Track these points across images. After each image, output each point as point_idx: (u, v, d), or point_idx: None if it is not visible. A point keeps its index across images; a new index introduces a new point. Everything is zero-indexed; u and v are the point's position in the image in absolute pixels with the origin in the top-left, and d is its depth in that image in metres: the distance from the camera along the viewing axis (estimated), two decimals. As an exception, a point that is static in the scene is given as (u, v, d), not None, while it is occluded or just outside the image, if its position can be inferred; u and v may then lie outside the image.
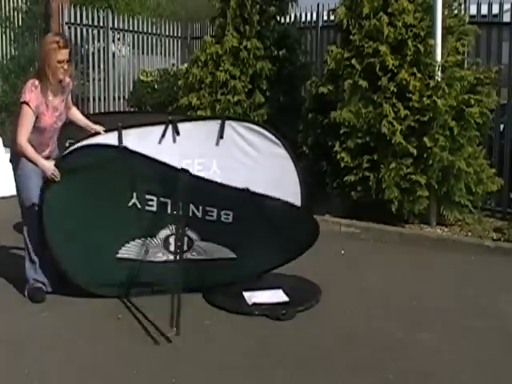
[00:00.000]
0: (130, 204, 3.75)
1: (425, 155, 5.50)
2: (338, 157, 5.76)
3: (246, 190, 3.75)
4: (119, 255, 3.85)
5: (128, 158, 3.68)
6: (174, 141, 4.21)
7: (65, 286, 3.88)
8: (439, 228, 5.78)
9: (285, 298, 3.90)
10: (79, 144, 3.82)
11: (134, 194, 3.74)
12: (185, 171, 3.64)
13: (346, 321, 3.66)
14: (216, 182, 3.83)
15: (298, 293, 4.02)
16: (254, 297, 3.92)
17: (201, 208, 3.81)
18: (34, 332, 3.43)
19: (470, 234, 5.63)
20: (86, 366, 3.04)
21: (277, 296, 3.94)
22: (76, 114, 4.26)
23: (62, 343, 3.30)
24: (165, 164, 3.70)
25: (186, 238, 3.90)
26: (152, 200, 3.76)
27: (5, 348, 3.22)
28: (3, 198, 7.05)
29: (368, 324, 3.62)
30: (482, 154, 5.82)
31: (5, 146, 7.96)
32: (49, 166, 3.72)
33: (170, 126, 4.19)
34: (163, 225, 3.85)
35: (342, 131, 5.74)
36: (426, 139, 5.44)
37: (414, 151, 5.48)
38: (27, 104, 3.76)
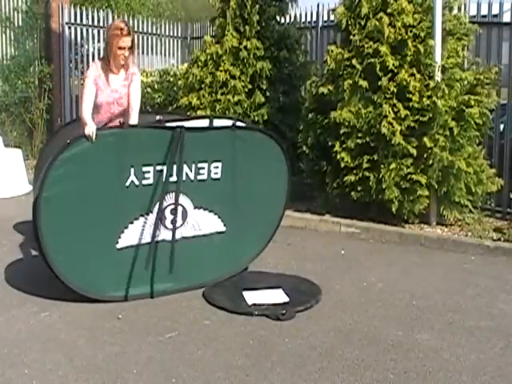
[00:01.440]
0: (128, 183, 3.73)
1: (425, 155, 5.51)
2: (338, 157, 5.76)
3: (232, 125, 4.08)
4: (119, 245, 3.80)
5: (125, 132, 3.71)
6: None
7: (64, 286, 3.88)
8: (439, 228, 5.78)
9: (285, 298, 3.91)
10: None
11: (132, 171, 3.72)
12: (180, 127, 3.80)
13: (346, 321, 3.67)
14: (205, 127, 4.02)
15: (298, 293, 4.02)
16: (253, 297, 3.92)
17: (193, 167, 3.91)
18: (34, 332, 3.44)
19: (470, 234, 5.63)
20: (86, 366, 3.04)
21: (277, 296, 3.95)
22: (128, 113, 4.26)
23: (61, 343, 3.30)
24: (160, 126, 3.86)
25: (180, 208, 3.96)
26: (148, 172, 3.78)
27: (5, 348, 3.22)
28: (4, 198, 7.07)
29: (368, 324, 3.62)
30: (481, 154, 5.82)
31: (5, 145, 7.97)
32: (92, 125, 3.76)
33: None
34: (159, 197, 3.86)
35: (342, 131, 5.74)
36: (425, 139, 5.45)
37: (414, 151, 5.48)
38: (86, 77, 4.12)
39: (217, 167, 4.02)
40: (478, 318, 3.74)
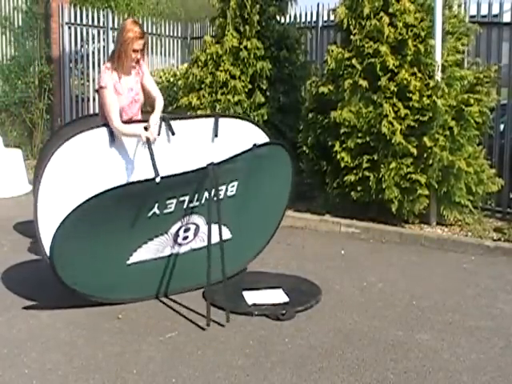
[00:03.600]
0: (150, 214, 3.66)
1: (425, 155, 5.50)
2: (338, 157, 5.76)
3: (253, 146, 3.90)
4: (130, 261, 3.79)
5: (162, 183, 3.54)
6: (168, 139, 4.22)
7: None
8: (439, 228, 5.78)
9: (285, 298, 3.91)
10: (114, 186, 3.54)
11: (156, 205, 3.65)
12: (210, 164, 3.65)
13: (345, 321, 3.67)
14: (231, 158, 3.79)
15: (298, 293, 4.02)
16: (253, 297, 3.92)
17: (213, 191, 3.79)
18: (34, 332, 3.44)
19: (470, 234, 5.63)
20: (86, 366, 3.04)
21: (277, 296, 3.95)
22: (156, 104, 4.28)
23: (61, 343, 3.31)
24: (194, 170, 3.64)
25: (193, 226, 3.94)
26: (171, 203, 3.71)
27: (5, 348, 3.22)
28: (4, 198, 7.07)
29: (368, 324, 3.62)
30: (482, 153, 5.82)
31: (5, 145, 7.97)
32: (141, 133, 4.00)
33: (164, 125, 4.22)
34: (176, 220, 3.84)
35: (342, 131, 5.74)
36: (425, 139, 5.44)
37: (415, 151, 5.48)
38: (105, 87, 4.02)
39: (233, 186, 3.97)
40: (478, 318, 3.73)
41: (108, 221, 3.52)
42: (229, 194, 3.96)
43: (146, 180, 3.66)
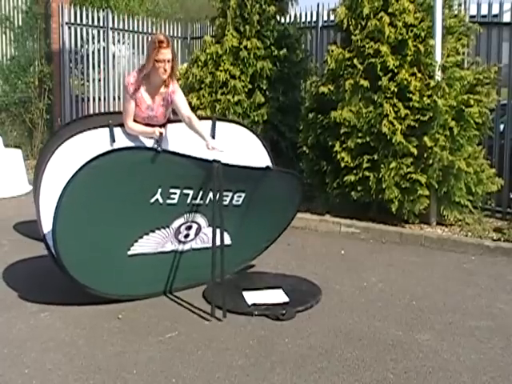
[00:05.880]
0: (153, 200, 3.67)
1: (425, 155, 5.51)
2: (338, 157, 5.76)
3: (266, 168, 4.01)
4: (131, 252, 3.78)
5: (163, 158, 3.56)
6: (166, 142, 4.24)
7: (65, 286, 3.88)
8: (439, 228, 5.78)
9: (285, 298, 3.91)
10: (115, 148, 3.62)
11: (159, 190, 3.66)
12: (217, 161, 3.68)
13: (345, 321, 3.67)
14: (241, 166, 3.85)
15: (298, 293, 4.03)
16: (253, 297, 3.92)
17: (218, 194, 3.81)
18: (34, 332, 3.44)
19: (470, 234, 5.63)
20: (86, 366, 3.04)
21: (277, 296, 3.95)
22: (192, 124, 4.14)
23: (61, 343, 3.30)
24: (198, 158, 3.71)
25: (195, 225, 3.97)
26: (175, 193, 3.73)
27: (5, 348, 3.22)
28: (4, 198, 7.07)
29: (368, 324, 3.62)
30: (481, 153, 5.82)
31: (5, 145, 7.97)
32: (154, 130, 4.08)
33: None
34: (179, 215, 3.85)
35: (342, 131, 5.74)
36: (426, 139, 5.45)
37: (415, 150, 5.48)
38: (127, 87, 4.07)
39: (240, 196, 4.01)
40: (478, 318, 3.74)
41: (110, 198, 3.51)
42: (234, 203, 4.01)
43: (149, 148, 3.75)
